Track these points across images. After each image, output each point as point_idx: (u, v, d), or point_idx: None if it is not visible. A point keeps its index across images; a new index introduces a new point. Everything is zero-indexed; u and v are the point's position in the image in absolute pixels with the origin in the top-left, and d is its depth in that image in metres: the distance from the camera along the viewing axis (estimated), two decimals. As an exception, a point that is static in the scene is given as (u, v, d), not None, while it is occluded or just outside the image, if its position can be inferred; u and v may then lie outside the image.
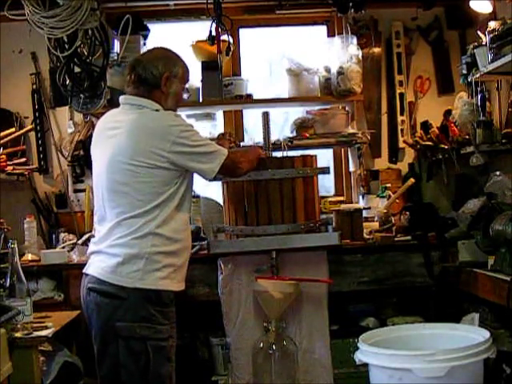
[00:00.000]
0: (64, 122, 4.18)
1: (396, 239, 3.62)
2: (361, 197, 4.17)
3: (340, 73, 4.01)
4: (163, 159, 2.43)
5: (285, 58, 4.10)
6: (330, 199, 4.15)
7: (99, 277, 2.42)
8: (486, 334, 2.19)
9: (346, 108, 4.19)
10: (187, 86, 2.84)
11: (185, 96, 2.82)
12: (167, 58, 2.64)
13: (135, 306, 2.38)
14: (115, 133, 2.50)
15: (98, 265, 2.46)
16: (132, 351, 2.38)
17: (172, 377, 2.50)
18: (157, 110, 2.54)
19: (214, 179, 2.72)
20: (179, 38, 4.23)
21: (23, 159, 4.04)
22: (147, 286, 2.39)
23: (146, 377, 2.40)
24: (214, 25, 3.69)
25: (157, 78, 2.56)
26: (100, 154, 2.57)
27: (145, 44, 4.14)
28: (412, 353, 2.05)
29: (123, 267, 2.39)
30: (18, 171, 3.96)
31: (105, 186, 2.50)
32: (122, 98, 2.62)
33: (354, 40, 4.12)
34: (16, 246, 2.58)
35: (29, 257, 3.63)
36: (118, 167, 2.44)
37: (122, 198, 2.44)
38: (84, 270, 2.55)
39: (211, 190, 3.77)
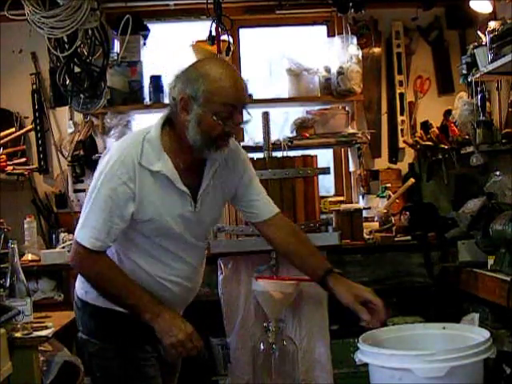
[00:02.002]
0: (64, 122, 4.19)
1: (396, 239, 3.62)
2: (361, 197, 4.17)
3: (340, 73, 4.02)
4: None
5: (285, 58, 4.11)
6: (330, 199, 4.15)
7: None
8: (486, 334, 2.18)
9: (346, 108, 4.19)
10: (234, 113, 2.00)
11: (227, 128, 2.00)
12: (188, 73, 2.02)
13: (85, 319, 2.21)
14: None
15: None
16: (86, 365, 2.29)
17: None
18: (142, 136, 2.04)
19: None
20: (179, 37, 4.23)
21: (23, 159, 4.05)
22: (90, 301, 2.18)
23: None
24: (214, 25, 3.69)
25: (175, 101, 2.01)
26: None
27: (145, 44, 4.16)
28: (412, 353, 2.05)
29: (81, 278, 2.22)
30: (18, 171, 3.96)
31: None
32: None
33: (354, 40, 4.12)
34: (16, 245, 2.58)
35: (29, 257, 3.63)
36: None
37: None
38: None
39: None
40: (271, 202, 2.31)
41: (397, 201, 3.93)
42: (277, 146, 3.71)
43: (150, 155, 2.01)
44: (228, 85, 1.97)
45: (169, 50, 4.28)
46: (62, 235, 3.92)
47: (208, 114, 1.96)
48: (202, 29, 3.89)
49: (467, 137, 3.63)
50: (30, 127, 4.15)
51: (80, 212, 4.16)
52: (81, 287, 2.21)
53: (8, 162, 3.83)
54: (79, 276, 2.21)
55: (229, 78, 1.99)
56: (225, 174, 2.18)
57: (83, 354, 2.27)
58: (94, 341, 2.17)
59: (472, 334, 2.24)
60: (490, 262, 3.08)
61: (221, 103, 1.96)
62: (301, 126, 4.05)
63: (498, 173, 3.35)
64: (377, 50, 4.30)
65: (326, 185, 4.33)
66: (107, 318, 2.13)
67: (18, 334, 2.39)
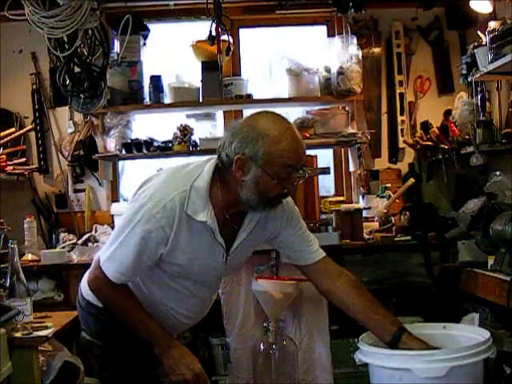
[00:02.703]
0: (64, 122, 4.19)
1: (396, 239, 3.62)
2: (361, 197, 4.16)
3: (340, 73, 4.02)
4: None
5: (285, 58, 4.10)
6: (329, 199, 4.14)
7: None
8: (486, 334, 2.18)
9: (346, 108, 4.19)
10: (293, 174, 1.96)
11: (284, 189, 1.97)
12: (247, 131, 1.93)
13: (89, 320, 2.23)
14: None
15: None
16: (93, 365, 2.27)
17: None
18: (193, 182, 1.98)
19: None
20: (179, 38, 4.23)
21: (23, 159, 4.05)
22: (95, 302, 2.19)
23: None
24: (214, 25, 3.69)
25: (230, 159, 1.94)
26: None
27: (145, 44, 4.16)
28: (412, 353, 2.05)
29: (85, 276, 2.24)
30: (18, 171, 3.96)
31: None
32: None
33: (354, 40, 4.12)
34: (16, 245, 2.57)
35: (29, 257, 3.63)
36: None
37: None
38: None
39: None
40: (318, 246, 2.24)
41: (397, 201, 3.93)
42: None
43: (195, 204, 1.96)
44: (290, 147, 1.91)
45: (169, 50, 4.28)
46: (61, 235, 3.92)
47: (267, 176, 1.91)
48: (201, 29, 3.89)
49: (467, 137, 3.63)
50: (30, 127, 4.15)
51: (80, 212, 4.15)
52: (87, 288, 2.19)
53: (8, 162, 3.83)
54: (85, 275, 2.21)
55: (290, 138, 1.92)
56: (263, 225, 2.13)
57: (86, 354, 2.27)
58: (100, 343, 2.17)
59: (472, 334, 2.25)
60: (490, 262, 3.08)
61: (282, 165, 1.91)
62: (301, 126, 4.04)
63: (498, 173, 3.35)
64: (377, 50, 4.30)
65: (326, 185, 4.33)
66: (113, 321, 2.12)
67: (17, 334, 2.39)
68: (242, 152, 1.90)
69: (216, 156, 2.01)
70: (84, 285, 2.23)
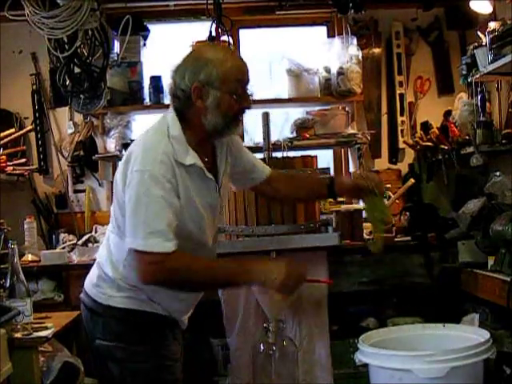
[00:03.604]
0: (64, 122, 4.19)
1: (396, 240, 3.62)
2: (361, 197, 4.16)
3: (340, 73, 4.02)
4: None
5: (285, 59, 4.11)
6: (330, 199, 4.15)
7: (85, 288, 2.25)
8: (486, 334, 2.18)
9: (346, 108, 4.19)
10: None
11: (239, 103, 2.11)
12: (195, 62, 2.06)
13: (110, 324, 2.15)
14: None
15: (89, 275, 2.30)
16: (110, 372, 2.16)
17: None
18: (155, 134, 2.09)
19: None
20: (179, 38, 4.23)
21: (23, 160, 4.04)
22: (117, 304, 2.14)
23: None
24: (214, 25, 3.69)
25: (186, 93, 2.04)
26: None
27: (145, 44, 4.16)
28: (412, 353, 2.05)
29: (99, 282, 2.18)
30: (18, 172, 3.96)
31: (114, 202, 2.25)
32: None
33: (354, 40, 4.12)
34: (16, 246, 2.57)
35: (29, 257, 3.63)
36: (119, 187, 2.15)
37: (112, 216, 2.23)
38: None
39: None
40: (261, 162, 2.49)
41: (397, 201, 3.93)
42: (277, 147, 3.71)
43: (180, 151, 2.04)
44: (236, 64, 2.08)
45: (169, 50, 4.27)
46: (61, 236, 3.92)
47: (225, 94, 2.04)
48: (201, 29, 3.89)
49: (467, 137, 3.63)
50: (30, 128, 4.15)
51: (80, 212, 4.14)
52: (101, 293, 2.15)
53: (8, 163, 3.83)
54: (96, 282, 2.18)
55: (233, 57, 2.10)
56: (227, 154, 2.26)
57: (101, 362, 2.17)
58: (124, 345, 2.13)
59: (472, 334, 2.25)
60: (490, 262, 3.08)
61: (235, 81, 2.06)
62: (301, 127, 4.05)
63: (498, 173, 3.35)
64: (377, 50, 4.30)
65: (326, 185, 4.32)
66: (138, 320, 2.12)
67: (18, 335, 2.39)
68: (198, 80, 2.01)
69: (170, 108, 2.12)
70: (94, 290, 2.18)
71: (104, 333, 2.16)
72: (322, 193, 2.49)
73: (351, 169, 4.27)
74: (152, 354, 2.14)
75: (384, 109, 4.35)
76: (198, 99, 2.03)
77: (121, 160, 2.15)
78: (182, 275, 2.01)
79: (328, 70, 4.11)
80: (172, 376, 2.17)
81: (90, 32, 3.42)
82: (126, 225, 2.02)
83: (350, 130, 4.08)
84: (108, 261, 2.16)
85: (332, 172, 4.13)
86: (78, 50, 3.46)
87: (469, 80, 3.60)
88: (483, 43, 3.36)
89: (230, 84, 2.04)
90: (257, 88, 4.11)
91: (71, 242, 3.84)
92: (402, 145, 4.25)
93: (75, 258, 3.59)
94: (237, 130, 2.18)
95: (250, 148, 3.68)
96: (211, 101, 2.03)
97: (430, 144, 3.97)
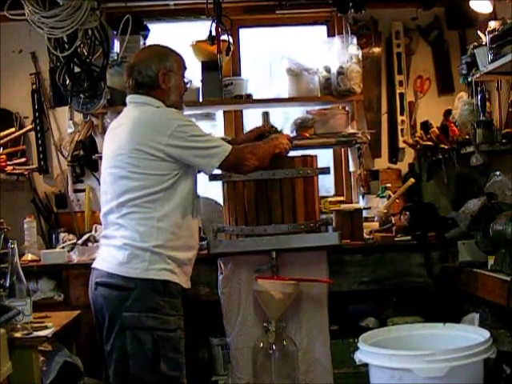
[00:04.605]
0: (64, 122, 4.18)
1: (396, 239, 3.62)
2: (361, 197, 4.17)
3: (340, 73, 4.01)
4: (159, 152, 2.47)
5: (285, 58, 4.10)
6: (329, 199, 4.15)
7: (108, 270, 2.46)
8: (486, 334, 2.19)
9: (346, 108, 4.19)
10: (186, 74, 2.78)
11: (187, 85, 2.79)
12: (158, 54, 2.66)
13: (142, 296, 2.41)
14: (119, 130, 2.59)
15: (106, 258, 2.52)
16: (139, 342, 2.40)
17: (182, 369, 2.50)
18: (158, 107, 2.59)
19: (218, 178, 2.97)
20: (179, 38, 4.23)
21: (23, 159, 4.04)
22: (153, 276, 2.43)
23: (155, 368, 2.41)
24: (214, 25, 3.69)
25: (153, 78, 2.60)
26: (106, 151, 2.66)
27: (144, 44, 4.14)
28: (412, 353, 2.06)
29: (130, 259, 2.43)
30: (17, 171, 3.96)
31: (108, 181, 2.57)
32: (127, 98, 2.69)
33: (354, 40, 4.12)
34: (16, 245, 2.58)
35: (29, 257, 3.63)
36: (120, 161, 2.50)
37: (124, 192, 2.48)
38: (93, 265, 2.59)
39: (211, 190, 3.76)
40: None
41: (397, 201, 3.93)
42: (277, 146, 3.70)
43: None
44: (180, 54, 2.74)
45: (169, 49, 4.27)
46: (61, 235, 3.92)
47: (181, 78, 2.69)
48: (201, 29, 3.89)
49: (467, 137, 3.63)
50: (29, 127, 4.14)
51: (80, 212, 4.17)
52: (133, 268, 2.42)
53: (8, 162, 3.83)
54: (126, 260, 2.44)
55: (175, 50, 2.74)
56: None
57: (125, 333, 2.41)
58: (157, 315, 2.42)
59: (472, 333, 2.25)
60: (490, 262, 3.08)
61: (184, 67, 2.72)
62: (301, 126, 4.05)
63: (498, 173, 3.35)
64: (377, 49, 4.30)
65: (326, 185, 4.33)
66: (167, 290, 2.46)
67: (17, 334, 2.40)
68: (164, 67, 2.61)
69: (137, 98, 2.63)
70: (125, 267, 2.44)
71: (134, 306, 2.40)
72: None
73: (351, 168, 4.27)
74: (178, 324, 2.48)
75: (384, 108, 4.35)
76: (163, 82, 2.61)
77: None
78: (253, 156, 2.72)
79: (328, 70, 4.10)
80: (183, 348, 2.50)
81: (89, 31, 3.42)
82: (196, 162, 2.56)
83: (350, 130, 4.08)
84: (137, 235, 2.45)
85: (332, 171, 4.14)
86: (78, 50, 3.46)
87: (469, 79, 3.60)
88: (483, 43, 3.36)
89: (182, 70, 2.70)
90: (257, 87, 4.19)
91: (71, 242, 3.83)
92: (402, 144, 4.25)
93: (75, 257, 3.59)
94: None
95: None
96: (173, 83, 2.64)
97: (430, 143, 3.97)
